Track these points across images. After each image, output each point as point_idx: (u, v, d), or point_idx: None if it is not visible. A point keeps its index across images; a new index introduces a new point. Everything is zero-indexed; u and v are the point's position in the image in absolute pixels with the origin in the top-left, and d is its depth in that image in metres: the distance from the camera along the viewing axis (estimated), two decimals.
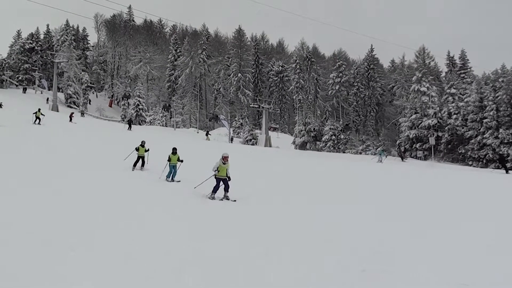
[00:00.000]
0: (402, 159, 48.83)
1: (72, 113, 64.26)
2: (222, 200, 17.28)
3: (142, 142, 24.99)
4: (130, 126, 63.72)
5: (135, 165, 24.12)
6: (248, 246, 9.04)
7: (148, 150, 24.66)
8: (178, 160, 21.99)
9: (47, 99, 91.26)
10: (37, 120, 44.64)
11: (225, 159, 17.79)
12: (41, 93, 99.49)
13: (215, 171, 17.76)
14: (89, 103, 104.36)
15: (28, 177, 15.95)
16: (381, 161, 47.98)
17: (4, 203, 11.02)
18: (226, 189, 17.67)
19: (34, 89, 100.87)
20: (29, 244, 8.01)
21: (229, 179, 17.79)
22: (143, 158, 24.44)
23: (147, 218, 11.92)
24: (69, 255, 7.70)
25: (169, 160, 21.95)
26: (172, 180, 21.62)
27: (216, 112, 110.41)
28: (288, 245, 9.28)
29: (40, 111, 46.39)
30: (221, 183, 17.73)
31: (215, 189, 17.61)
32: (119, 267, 7.37)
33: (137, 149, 24.58)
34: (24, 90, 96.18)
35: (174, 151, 22.22)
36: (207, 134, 73.06)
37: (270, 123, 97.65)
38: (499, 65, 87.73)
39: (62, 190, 14.23)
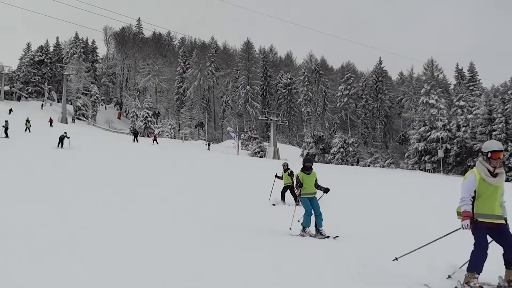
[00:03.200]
0: None
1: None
2: None
3: (284, 165, 18.31)
4: (135, 138, 60.28)
5: (283, 198, 17.64)
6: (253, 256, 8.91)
7: (292, 174, 17.54)
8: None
9: (42, 105, 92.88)
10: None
11: None
12: (50, 105, 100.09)
13: None
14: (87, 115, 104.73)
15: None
16: None
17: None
18: None
19: (43, 101, 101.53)
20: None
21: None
22: (291, 188, 17.17)
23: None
24: None
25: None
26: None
27: (201, 119, 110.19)
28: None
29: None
30: None
31: None
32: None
33: (279, 177, 18.28)
34: (19, 98, 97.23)
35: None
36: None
37: (251, 133, 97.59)
38: (508, 77, 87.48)
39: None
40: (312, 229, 10.96)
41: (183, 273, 7.25)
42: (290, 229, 11.19)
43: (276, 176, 18.21)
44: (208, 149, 73.53)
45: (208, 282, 6.86)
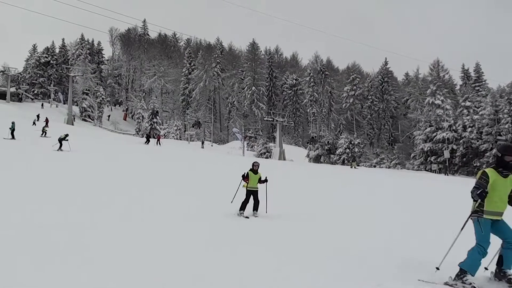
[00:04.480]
0: None
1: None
2: None
3: (254, 165, 14.47)
4: (148, 140, 62.77)
5: (243, 207, 13.92)
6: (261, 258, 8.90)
7: (266, 180, 14.44)
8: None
9: (42, 104, 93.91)
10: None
11: None
12: (56, 106, 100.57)
13: None
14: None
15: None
16: None
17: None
18: None
19: (49, 102, 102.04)
20: None
21: None
22: (255, 194, 14.15)
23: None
24: None
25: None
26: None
27: (199, 118, 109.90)
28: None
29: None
30: None
31: None
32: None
33: (244, 177, 14.28)
34: (20, 100, 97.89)
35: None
36: (353, 162, 64.94)
37: (248, 132, 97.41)
38: None
39: None
40: (472, 278, 6.44)
41: (184, 274, 7.27)
42: (438, 268, 6.85)
43: (243, 176, 14.34)
44: (202, 147, 73.80)
45: (209, 283, 6.88)
